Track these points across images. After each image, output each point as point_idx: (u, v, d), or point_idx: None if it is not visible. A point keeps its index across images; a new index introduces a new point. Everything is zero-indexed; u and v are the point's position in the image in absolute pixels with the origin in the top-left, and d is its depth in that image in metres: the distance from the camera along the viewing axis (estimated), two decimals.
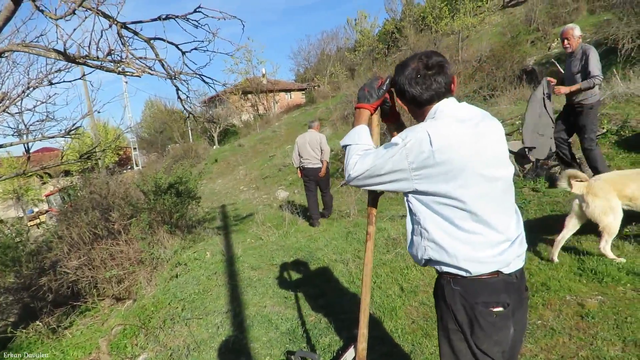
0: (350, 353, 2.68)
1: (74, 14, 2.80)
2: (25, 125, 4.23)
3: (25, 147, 4.32)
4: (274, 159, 15.99)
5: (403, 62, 1.55)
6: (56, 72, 3.90)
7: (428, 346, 2.94)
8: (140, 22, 3.36)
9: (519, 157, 6.31)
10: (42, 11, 2.83)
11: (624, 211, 3.55)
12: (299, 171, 7.24)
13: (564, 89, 4.72)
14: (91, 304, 5.38)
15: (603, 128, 5.79)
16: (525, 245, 1.52)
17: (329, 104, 21.08)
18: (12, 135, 4.32)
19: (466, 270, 1.41)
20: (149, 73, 3.39)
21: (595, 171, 4.82)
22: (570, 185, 3.65)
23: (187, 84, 4.02)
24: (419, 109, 1.55)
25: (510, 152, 6.29)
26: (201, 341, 3.67)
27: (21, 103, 4.03)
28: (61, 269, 5.41)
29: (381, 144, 1.56)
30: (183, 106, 4.38)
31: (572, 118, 4.93)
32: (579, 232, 4.10)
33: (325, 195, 7.24)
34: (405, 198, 1.53)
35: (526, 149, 4.99)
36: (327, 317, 3.63)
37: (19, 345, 4.80)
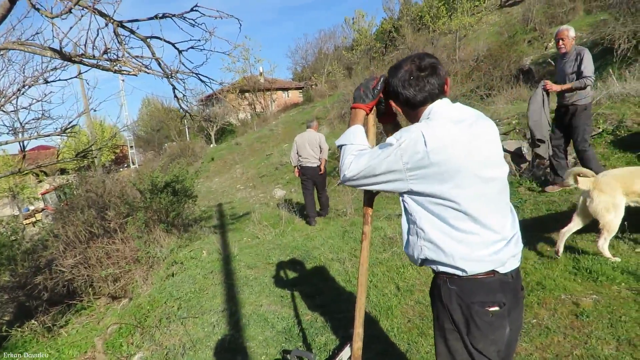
0: (346, 352, 2.69)
1: (70, 12, 2.79)
2: (21, 124, 4.21)
3: (20, 145, 4.29)
4: (271, 157, 15.97)
5: (396, 65, 1.56)
6: (52, 70, 3.88)
7: (424, 345, 2.95)
8: (137, 20, 3.34)
9: (515, 156, 6.33)
10: (38, 9, 2.81)
11: (632, 208, 3.55)
12: (296, 170, 7.27)
13: (556, 87, 4.78)
14: (87, 302, 5.36)
15: (599, 128, 5.81)
16: (521, 245, 1.53)
17: (326, 103, 21.06)
18: (8, 133, 4.29)
19: (462, 270, 1.41)
20: (146, 72, 3.38)
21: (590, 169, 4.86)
22: (576, 181, 3.64)
23: (184, 82, 4.00)
24: (413, 111, 1.55)
25: (507, 151, 6.31)
26: (197, 340, 3.67)
27: (17, 101, 4.00)
28: (57, 268, 5.39)
29: (378, 144, 1.56)
30: (180, 105, 4.36)
31: (566, 120, 4.96)
32: (575, 231, 4.13)
33: (322, 196, 7.27)
34: (400, 198, 1.53)
35: (537, 142, 4.97)
36: (323, 316, 3.64)
37: (14, 344, 4.79)
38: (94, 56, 3.13)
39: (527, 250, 3.96)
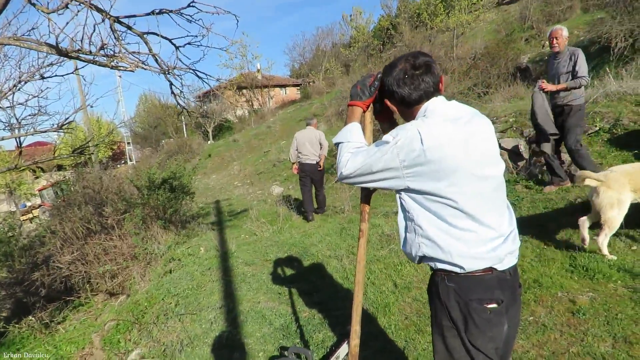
0: (343, 349, 2.70)
1: (67, 7, 2.78)
2: (17, 119, 4.19)
3: (17, 142, 4.28)
4: (269, 154, 15.95)
5: (390, 64, 1.57)
6: (48, 66, 3.86)
7: (421, 342, 2.97)
8: (134, 16, 3.33)
9: (513, 154, 6.35)
10: (34, 5, 2.80)
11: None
12: (294, 167, 7.29)
13: (552, 87, 4.80)
14: (84, 299, 5.35)
15: (595, 126, 5.83)
16: (519, 242, 1.53)
17: (323, 100, 21.04)
18: (4, 129, 4.27)
19: (460, 267, 1.42)
20: (143, 68, 3.37)
21: (581, 169, 4.89)
22: (584, 180, 3.63)
23: (181, 78, 4.01)
24: (409, 109, 1.56)
25: (504, 149, 6.33)
26: (195, 337, 3.67)
27: (13, 97, 3.98)
28: (54, 264, 5.37)
29: (374, 142, 1.56)
30: (177, 101, 4.34)
31: (560, 120, 4.98)
32: (570, 229, 4.15)
33: (320, 194, 7.29)
34: (397, 195, 1.54)
35: (551, 136, 4.97)
36: (321, 313, 3.64)
37: (12, 340, 4.78)
38: (90, 52, 3.12)
39: (524, 248, 3.97)
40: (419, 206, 1.46)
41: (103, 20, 3.11)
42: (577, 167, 5.02)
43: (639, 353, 2.43)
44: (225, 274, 4.90)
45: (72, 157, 5.20)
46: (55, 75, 3.90)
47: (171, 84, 3.99)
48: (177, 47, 3.67)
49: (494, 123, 6.61)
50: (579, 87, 4.76)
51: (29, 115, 4.27)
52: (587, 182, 3.61)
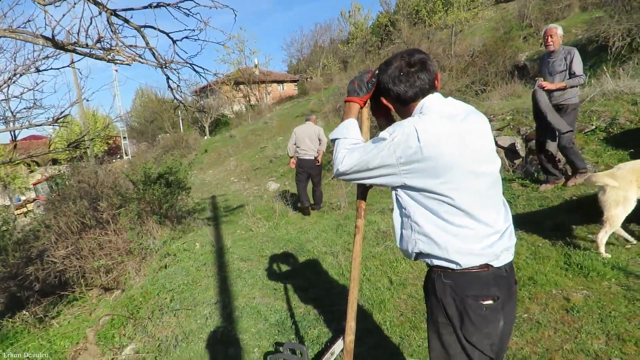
0: (338, 345, 2.71)
1: None
2: (12, 113, 4.16)
3: (12, 135, 4.25)
4: (265, 150, 15.92)
5: (386, 62, 1.56)
6: (44, 59, 3.83)
7: (416, 339, 2.97)
8: (131, 9, 3.30)
9: (509, 152, 6.36)
10: None
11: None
12: (292, 161, 7.29)
13: (552, 85, 4.80)
14: (79, 293, 5.34)
15: (592, 125, 5.84)
16: (515, 239, 1.53)
17: (321, 96, 21.01)
18: None
19: (457, 263, 1.42)
20: (139, 61, 3.35)
21: (573, 167, 5.01)
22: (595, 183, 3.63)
23: (178, 73, 3.97)
24: (405, 107, 1.56)
25: (500, 147, 6.34)
26: (190, 332, 3.67)
27: (8, 90, 3.95)
28: (48, 258, 5.36)
29: (371, 138, 1.56)
30: (174, 95, 4.33)
31: None
32: (567, 227, 4.17)
33: (317, 190, 7.29)
34: (393, 192, 1.53)
35: (567, 133, 4.98)
36: (316, 309, 3.65)
37: (5, 334, 4.76)
38: (87, 45, 3.10)
39: (519, 246, 3.98)
40: (416, 203, 1.46)
41: (100, 13, 3.09)
42: (568, 164, 5.07)
43: (631, 350, 2.45)
44: (220, 270, 4.90)
45: (67, 151, 5.16)
46: (51, 69, 3.87)
47: (168, 78, 3.97)
48: (174, 41, 3.66)
49: (491, 121, 6.62)
50: (576, 86, 4.79)
51: (24, 108, 4.24)
52: (597, 180, 3.59)
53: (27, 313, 4.85)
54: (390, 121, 1.78)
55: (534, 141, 5.51)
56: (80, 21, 2.95)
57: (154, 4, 3.25)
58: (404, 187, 1.46)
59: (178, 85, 4.13)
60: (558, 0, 15.48)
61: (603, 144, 5.59)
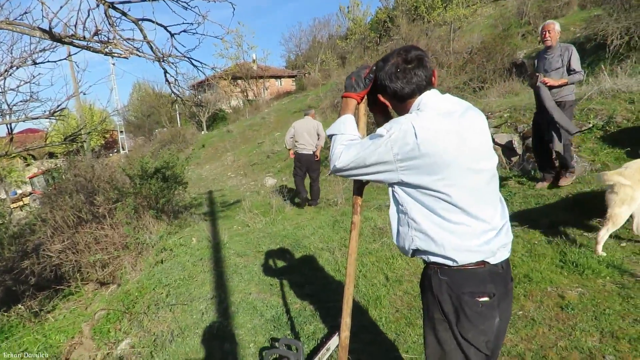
0: (333, 341, 2.71)
1: None
2: (9, 105, 4.13)
3: (8, 128, 4.23)
4: (263, 145, 15.89)
5: (383, 59, 1.56)
6: (41, 51, 3.80)
7: (411, 335, 2.98)
8: (129, 2, 3.28)
9: (506, 149, 6.37)
10: None
11: None
12: (291, 152, 7.32)
13: (553, 81, 4.77)
14: (75, 288, 5.33)
15: (589, 123, 5.85)
16: (511, 236, 1.54)
17: (319, 92, 20.97)
18: None
19: (453, 260, 1.42)
20: (137, 55, 3.33)
21: (566, 165, 5.03)
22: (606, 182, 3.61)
23: (176, 66, 3.96)
24: (401, 104, 1.55)
25: (498, 144, 6.35)
26: (185, 327, 3.67)
27: (4, 82, 3.93)
28: (44, 252, 5.34)
29: (369, 134, 1.55)
30: (171, 89, 4.31)
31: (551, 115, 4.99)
32: (563, 225, 4.18)
33: (314, 185, 7.30)
34: (390, 189, 1.53)
35: (576, 134, 4.98)
36: (312, 305, 3.65)
37: (0, 328, 4.75)
38: (84, 37, 3.08)
39: (515, 243, 4.00)
40: (412, 199, 1.46)
41: (97, 6, 3.07)
42: (560, 162, 5.08)
43: (625, 348, 2.47)
44: (217, 265, 4.90)
45: (63, 145, 5.14)
46: (48, 61, 3.85)
47: (166, 71, 3.96)
48: (172, 35, 3.64)
49: (488, 118, 6.62)
50: (574, 82, 4.80)
51: (21, 101, 4.21)
52: (607, 179, 3.55)
53: (22, 307, 4.83)
54: (387, 117, 1.78)
55: (530, 139, 5.52)
56: (78, 13, 2.94)
57: None
58: (401, 183, 1.46)
59: (175, 80, 4.12)
60: None
61: (600, 142, 5.60)
